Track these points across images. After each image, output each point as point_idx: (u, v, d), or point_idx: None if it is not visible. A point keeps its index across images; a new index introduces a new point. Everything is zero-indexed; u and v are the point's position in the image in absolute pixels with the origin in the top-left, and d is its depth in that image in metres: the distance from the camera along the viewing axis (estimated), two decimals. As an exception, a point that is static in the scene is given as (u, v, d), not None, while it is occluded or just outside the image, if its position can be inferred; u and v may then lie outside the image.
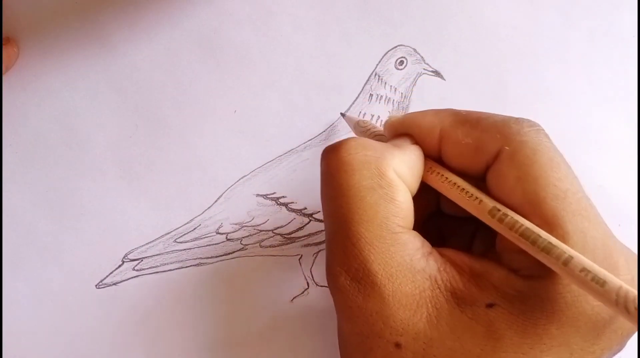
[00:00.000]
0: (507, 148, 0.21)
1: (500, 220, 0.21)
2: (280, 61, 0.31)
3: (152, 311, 0.30)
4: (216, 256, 0.31)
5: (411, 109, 0.31)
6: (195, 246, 0.31)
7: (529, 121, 0.22)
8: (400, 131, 0.25)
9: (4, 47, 0.29)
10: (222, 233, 0.31)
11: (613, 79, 0.32)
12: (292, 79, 0.31)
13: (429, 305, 0.20)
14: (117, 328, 0.30)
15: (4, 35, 0.30)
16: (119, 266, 0.31)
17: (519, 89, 0.31)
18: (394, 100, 0.31)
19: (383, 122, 0.31)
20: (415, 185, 0.24)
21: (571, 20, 0.31)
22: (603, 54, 0.32)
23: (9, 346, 0.30)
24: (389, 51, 0.31)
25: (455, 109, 0.24)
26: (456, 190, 0.23)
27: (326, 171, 0.23)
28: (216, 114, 0.31)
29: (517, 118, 0.23)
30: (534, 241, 0.20)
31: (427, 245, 0.22)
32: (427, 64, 0.31)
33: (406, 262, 0.21)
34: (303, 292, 0.31)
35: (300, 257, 0.31)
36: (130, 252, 0.31)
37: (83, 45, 0.31)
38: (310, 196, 0.31)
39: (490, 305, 0.20)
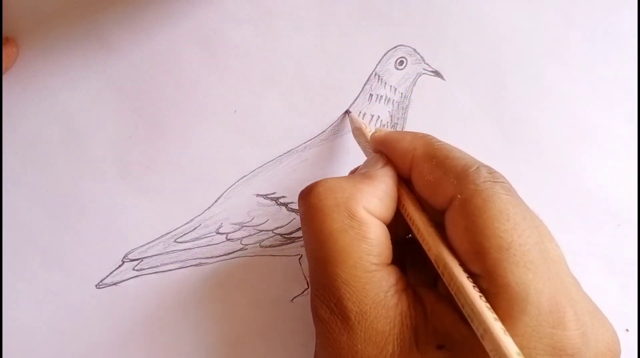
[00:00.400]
0: (459, 196, 0.21)
1: (442, 273, 0.21)
2: (280, 61, 0.31)
3: (152, 311, 0.30)
4: (216, 256, 0.31)
5: (411, 110, 0.31)
6: (195, 246, 0.31)
7: (490, 170, 0.22)
8: (380, 148, 0.26)
9: (4, 47, 0.29)
10: (222, 233, 0.31)
11: (613, 79, 0.32)
12: (292, 79, 0.31)
13: (395, 342, 0.21)
14: (117, 328, 0.30)
15: (4, 35, 0.30)
16: (119, 266, 0.31)
17: (519, 89, 0.31)
18: (393, 100, 0.31)
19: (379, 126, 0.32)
20: (389, 212, 0.24)
21: (571, 20, 0.31)
22: (603, 54, 0.32)
23: (9, 346, 0.30)
24: (389, 50, 0.31)
25: (431, 139, 0.24)
26: (414, 228, 0.23)
27: (301, 216, 0.24)
28: (216, 114, 0.31)
29: (478, 166, 0.22)
30: (462, 305, 0.20)
31: (403, 281, 0.23)
32: (427, 64, 0.31)
33: (380, 299, 0.21)
34: (303, 292, 0.31)
35: (300, 257, 0.31)
36: (130, 252, 0.31)
37: (83, 45, 0.31)
38: (310, 196, 0.31)
39: (439, 347, 0.21)
